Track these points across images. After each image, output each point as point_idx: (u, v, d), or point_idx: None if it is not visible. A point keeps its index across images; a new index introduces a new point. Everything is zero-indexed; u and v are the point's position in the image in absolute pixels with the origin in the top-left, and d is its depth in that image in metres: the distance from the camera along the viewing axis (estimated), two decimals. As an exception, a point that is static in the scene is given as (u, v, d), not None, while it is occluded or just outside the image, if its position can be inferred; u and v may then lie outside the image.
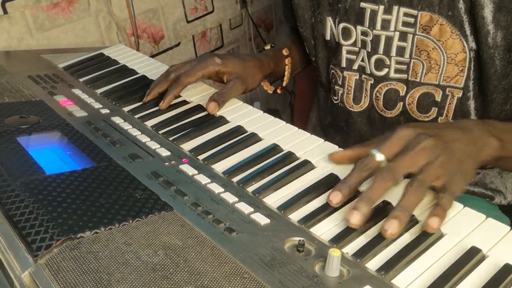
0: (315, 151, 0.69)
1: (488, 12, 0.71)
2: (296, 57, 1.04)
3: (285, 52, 1.01)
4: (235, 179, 0.64)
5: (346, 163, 0.65)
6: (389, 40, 0.81)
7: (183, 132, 0.76)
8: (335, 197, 0.56)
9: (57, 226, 0.51)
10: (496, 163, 0.66)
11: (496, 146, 0.62)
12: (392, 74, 0.83)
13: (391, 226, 0.51)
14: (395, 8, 0.79)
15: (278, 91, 1.05)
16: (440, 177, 0.55)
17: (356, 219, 0.52)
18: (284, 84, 1.04)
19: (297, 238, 0.52)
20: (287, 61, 1.01)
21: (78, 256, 0.48)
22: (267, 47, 1.02)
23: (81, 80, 0.97)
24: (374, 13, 0.81)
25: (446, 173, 0.56)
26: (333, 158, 0.66)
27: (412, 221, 0.54)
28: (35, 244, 0.49)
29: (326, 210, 0.57)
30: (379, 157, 0.58)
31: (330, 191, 0.57)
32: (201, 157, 0.69)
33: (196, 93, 0.89)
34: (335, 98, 0.95)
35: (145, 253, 0.48)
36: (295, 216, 0.57)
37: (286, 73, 1.02)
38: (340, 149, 0.67)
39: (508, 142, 0.63)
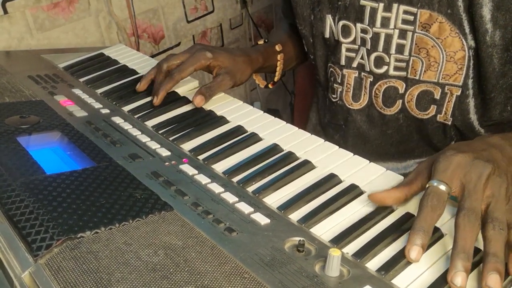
0: (315, 151, 0.69)
1: (486, 10, 0.71)
2: (290, 53, 1.05)
3: (277, 47, 1.01)
4: (235, 179, 0.64)
5: (391, 204, 0.57)
6: (388, 37, 0.82)
7: (183, 132, 0.76)
8: (417, 254, 0.49)
9: (57, 226, 0.51)
10: None
11: None
12: (392, 72, 0.84)
13: (492, 281, 0.45)
14: (395, 5, 0.79)
15: (270, 86, 1.06)
16: (508, 210, 0.51)
17: (462, 279, 0.45)
18: (275, 79, 1.05)
19: (297, 238, 0.52)
20: (279, 56, 1.02)
21: (78, 256, 0.48)
22: (260, 42, 1.03)
23: (82, 80, 0.97)
24: (374, 11, 0.82)
25: (510, 204, 0.52)
26: (375, 199, 0.57)
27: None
28: (35, 244, 0.49)
29: (326, 210, 0.57)
30: (444, 187, 0.52)
31: (407, 245, 0.49)
32: (201, 157, 0.69)
33: (196, 93, 0.89)
34: (333, 96, 0.95)
35: (145, 253, 0.48)
36: (295, 216, 0.57)
37: (278, 68, 1.03)
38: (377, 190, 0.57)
39: None
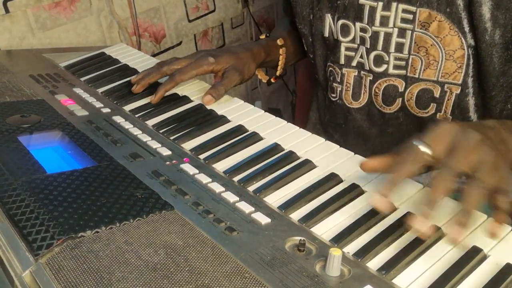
0: (316, 150, 0.69)
1: (486, 9, 0.71)
2: (291, 48, 1.06)
3: (279, 42, 1.03)
4: (236, 179, 0.64)
5: (380, 171, 0.58)
6: (388, 36, 0.82)
7: (184, 131, 0.76)
8: (377, 201, 0.52)
9: (58, 225, 0.51)
10: None
11: None
12: (391, 70, 0.84)
13: (459, 233, 0.48)
14: (394, 4, 0.79)
15: (272, 80, 1.08)
16: (495, 176, 0.51)
17: (426, 226, 0.49)
18: (277, 73, 1.07)
19: (298, 238, 0.52)
20: (281, 51, 1.03)
21: (79, 255, 0.48)
22: (262, 36, 1.04)
23: (83, 79, 0.97)
24: (373, 10, 0.82)
25: (499, 172, 0.52)
26: (366, 166, 0.58)
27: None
28: (36, 243, 0.49)
29: (327, 210, 0.57)
30: (423, 147, 0.53)
31: (373, 195, 0.53)
32: (202, 156, 0.69)
33: (197, 92, 0.89)
34: (333, 95, 0.95)
35: (145, 252, 0.48)
36: (296, 215, 0.57)
37: (280, 62, 1.04)
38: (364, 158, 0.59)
39: None
